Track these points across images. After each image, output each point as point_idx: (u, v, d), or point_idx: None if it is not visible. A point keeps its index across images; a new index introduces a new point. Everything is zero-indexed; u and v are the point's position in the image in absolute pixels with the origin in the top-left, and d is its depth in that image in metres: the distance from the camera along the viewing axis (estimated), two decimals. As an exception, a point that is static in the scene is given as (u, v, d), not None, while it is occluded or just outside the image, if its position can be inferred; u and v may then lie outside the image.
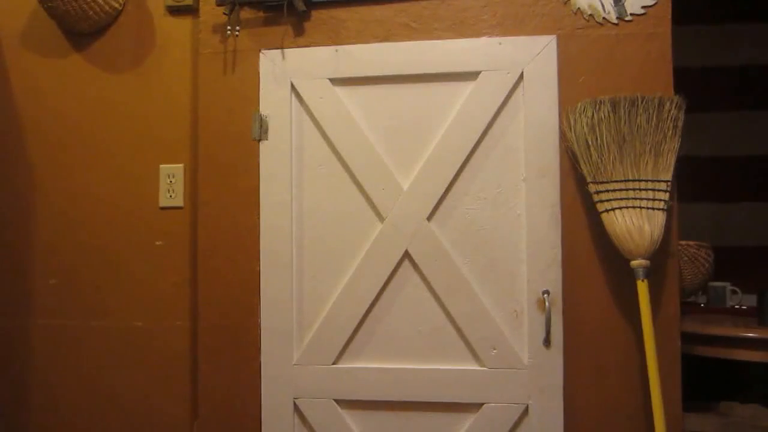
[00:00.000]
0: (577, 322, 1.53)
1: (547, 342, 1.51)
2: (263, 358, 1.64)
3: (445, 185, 1.58)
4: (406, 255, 1.59)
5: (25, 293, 1.87)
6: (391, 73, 1.61)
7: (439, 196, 1.58)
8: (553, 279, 1.52)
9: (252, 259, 1.66)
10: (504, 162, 1.56)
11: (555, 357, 1.51)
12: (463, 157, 1.57)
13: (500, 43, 1.57)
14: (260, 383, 1.64)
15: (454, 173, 1.57)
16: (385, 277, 1.60)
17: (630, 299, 1.49)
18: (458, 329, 1.57)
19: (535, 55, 1.54)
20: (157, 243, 1.82)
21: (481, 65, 1.56)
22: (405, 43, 1.61)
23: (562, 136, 1.53)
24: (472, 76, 1.57)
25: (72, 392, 1.83)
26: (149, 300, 1.81)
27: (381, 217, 1.60)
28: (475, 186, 1.58)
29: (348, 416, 1.61)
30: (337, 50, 1.63)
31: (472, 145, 1.56)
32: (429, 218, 1.58)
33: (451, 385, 1.56)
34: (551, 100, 1.53)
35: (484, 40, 1.58)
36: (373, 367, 1.60)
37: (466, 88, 1.58)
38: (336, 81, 1.63)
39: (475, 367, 1.56)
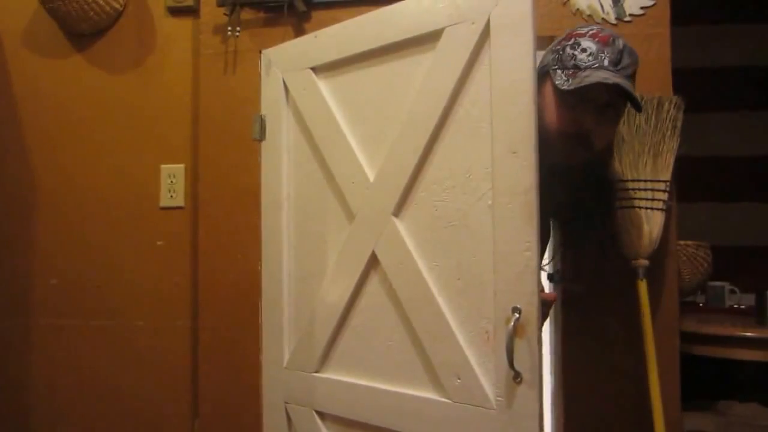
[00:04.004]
0: (575, 322, 1.54)
1: (516, 377, 1.13)
2: (264, 359, 1.64)
3: (409, 173, 1.33)
4: (374, 257, 1.39)
5: (26, 293, 1.87)
6: (362, 50, 1.43)
7: (403, 187, 1.34)
8: (526, 292, 1.13)
9: (253, 259, 1.67)
10: (473, 140, 1.24)
11: (528, 398, 1.13)
12: (426, 139, 1.30)
13: None
14: (260, 384, 1.63)
15: (418, 158, 1.31)
16: (355, 282, 1.42)
17: (629, 299, 1.50)
18: (422, 349, 1.30)
19: None
20: (158, 243, 1.82)
21: (445, 20, 1.28)
22: (373, 12, 1.42)
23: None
24: (435, 36, 1.30)
25: (73, 392, 1.84)
26: (150, 300, 1.82)
27: (351, 214, 1.44)
28: (442, 172, 1.29)
29: (325, 430, 1.50)
30: (316, 36, 1.54)
31: (435, 122, 1.29)
32: (395, 213, 1.35)
33: (415, 415, 1.31)
34: (524, 53, 1.16)
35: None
36: (349, 381, 1.44)
37: (429, 54, 1.32)
38: (317, 69, 1.52)
39: (438, 397, 1.27)
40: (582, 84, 1.17)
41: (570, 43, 1.23)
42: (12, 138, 1.90)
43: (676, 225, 1.53)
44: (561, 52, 1.23)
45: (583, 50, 1.20)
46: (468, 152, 1.25)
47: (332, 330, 1.46)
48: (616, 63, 1.19)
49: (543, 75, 1.25)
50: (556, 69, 1.23)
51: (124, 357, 1.82)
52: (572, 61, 1.20)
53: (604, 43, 1.20)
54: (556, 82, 1.21)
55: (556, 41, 1.29)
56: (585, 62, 1.19)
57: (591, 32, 1.23)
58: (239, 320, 1.68)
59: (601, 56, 1.19)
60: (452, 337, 1.25)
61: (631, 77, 1.22)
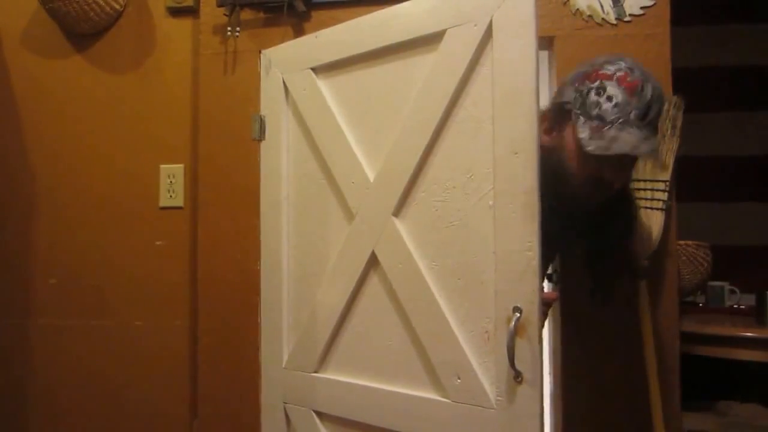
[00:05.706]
0: (574, 322, 1.54)
1: (517, 376, 1.14)
2: (262, 359, 1.63)
3: (409, 173, 1.33)
4: (373, 257, 1.39)
5: (25, 293, 1.87)
6: (363, 51, 1.43)
7: (403, 187, 1.34)
8: (527, 291, 1.14)
9: (252, 259, 1.67)
10: (475, 140, 1.25)
11: (529, 397, 1.13)
12: (427, 139, 1.30)
13: None
14: (259, 384, 1.63)
15: (418, 159, 1.31)
16: (355, 282, 1.42)
17: (629, 299, 1.50)
18: (422, 349, 1.31)
19: None
20: (157, 243, 1.82)
21: (447, 22, 1.29)
22: (375, 13, 1.42)
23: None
24: (437, 38, 1.31)
25: (71, 392, 1.84)
26: (149, 300, 1.82)
27: (351, 214, 1.44)
28: (443, 173, 1.29)
29: (324, 431, 1.50)
30: (317, 36, 1.52)
31: (437, 122, 1.29)
32: (395, 213, 1.35)
33: (415, 415, 1.31)
34: (527, 54, 1.17)
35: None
36: (348, 381, 1.44)
37: (431, 55, 1.32)
38: (317, 70, 1.52)
39: (437, 397, 1.28)
40: (608, 153, 1.11)
41: (595, 86, 1.15)
42: (12, 138, 1.89)
43: (676, 225, 1.53)
44: (585, 96, 1.16)
45: (609, 98, 1.13)
46: (469, 153, 1.25)
47: (332, 330, 1.46)
48: (643, 117, 1.12)
49: (564, 112, 1.19)
50: (579, 115, 1.16)
51: (123, 357, 1.82)
52: (596, 110, 1.13)
53: (632, 92, 1.12)
54: (580, 137, 1.15)
55: (576, 74, 1.21)
56: (610, 115, 1.12)
57: (618, 75, 1.14)
58: (238, 320, 1.68)
59: (627, 109, 1.11)
60: (452, 336, 1.25)
61: (656, 122, 1.17)
